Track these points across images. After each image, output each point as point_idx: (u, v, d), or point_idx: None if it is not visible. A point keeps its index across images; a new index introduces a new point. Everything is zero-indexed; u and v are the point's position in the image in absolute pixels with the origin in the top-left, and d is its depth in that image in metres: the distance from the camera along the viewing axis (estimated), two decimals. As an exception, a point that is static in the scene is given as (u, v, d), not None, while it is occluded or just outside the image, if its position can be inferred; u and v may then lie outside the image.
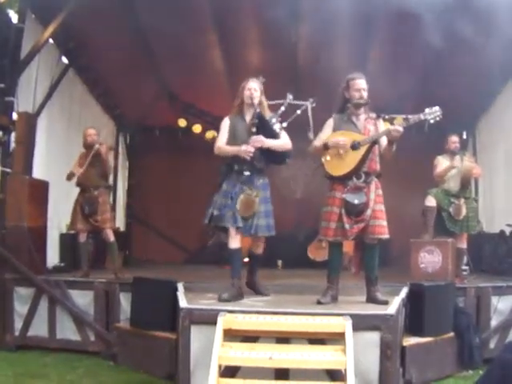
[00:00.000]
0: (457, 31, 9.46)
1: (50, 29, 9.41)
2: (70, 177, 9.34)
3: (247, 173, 7.00)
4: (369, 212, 6.53)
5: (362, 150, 6.55)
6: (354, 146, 6.55)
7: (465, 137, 13.83)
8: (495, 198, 12.31)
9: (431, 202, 9.09)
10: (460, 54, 9.99)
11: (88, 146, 9.33)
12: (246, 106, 7.16)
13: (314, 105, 7.28)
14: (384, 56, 11.11)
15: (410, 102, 12.00)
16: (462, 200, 9.13)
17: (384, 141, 6.58)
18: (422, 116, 6.27)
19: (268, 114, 7.12)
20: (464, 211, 9.08)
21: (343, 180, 6.65)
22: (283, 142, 7.05)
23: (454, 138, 9.41)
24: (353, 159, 6.57)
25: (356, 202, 6.52)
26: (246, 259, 7.63)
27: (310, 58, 12.16)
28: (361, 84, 6.73)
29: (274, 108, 7.31)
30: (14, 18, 9.59)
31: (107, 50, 10.88)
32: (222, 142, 7.12)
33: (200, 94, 13.61)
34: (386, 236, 6.61)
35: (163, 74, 13.14)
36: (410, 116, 6.32)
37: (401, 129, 6.26)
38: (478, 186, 12.97)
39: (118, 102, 14.02)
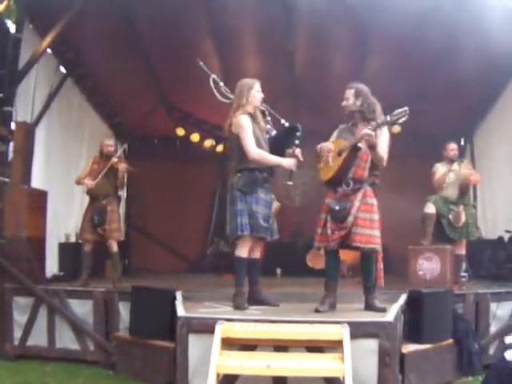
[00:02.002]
0: (454, 37, 9.51)
1: (48, 38, 9.43)
2: (79, 182, 9.49)
3: (268, 182, 7.07)
4: (350, 219, 6.51)
5: (343, 156, 6.58)
6: (339, 152, 6.61)
7: (463, 143, 13.84)
8: (494, 205, 12.31)
9: (430, 208, 9.10)
10: (457, 61, 10.01)
11: (104, 156, 9.40)
12: (251, 107, 7.10)
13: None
14: (381, 64, 11.13)
15: (408, 108, 12.03)
16: (461, 207, 9.14)
17: (382, 146, 6.57)
18: (388, 117, 6.26)
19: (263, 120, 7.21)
20: (463, 218, 9.07)
21: (334, 186, 6.72)
22: None
23: (453, 146, 9.43)
24: (336, 164, 6.63)
25: (337, 208, 6.54)
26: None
27: (306, 66, 12.18)
28: (345, 94, 6.86)
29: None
30: (12, 28, 9.61)
31: (105, 60, 10.88)
32: (255, 145, 6.86)
33: (198, 103, 13.59)
34: (368, 245, 6.53)
35: (161, 83, 13.14)
36: (379, 120, 6.32)
37: (368, 131, 6.23)
38: (477, 193, 12.98)
39: (116, 111, 14.02)
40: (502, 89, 11.59)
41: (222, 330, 5.68)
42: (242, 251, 6.94)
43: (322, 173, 6.88)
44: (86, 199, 9.47)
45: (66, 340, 8.40)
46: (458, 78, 10.44)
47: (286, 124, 7.20)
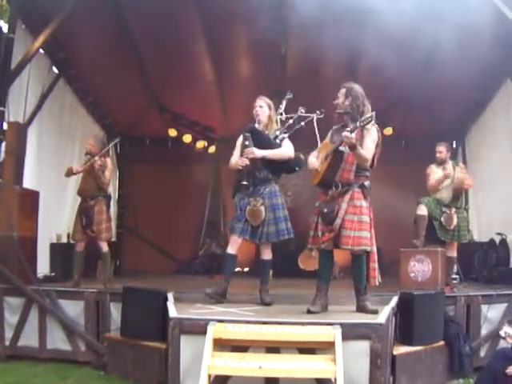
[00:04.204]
0: (446, 40, 9.51)
1: (41, 39, 9.41)
2: (68, 173, 9.46)
3: (251, 185, 7.36)
4: (338, 221, 6.52)
5: (328, 160, 6.60)
6: (326, 157, 6.64)
7: (455, 146, 13.87)
8: (485, 207, 12.33)
9: (423, 210, 9.10)
10: (449, 64, 10.02)
11: (88, 155, 9.37)
12: (258, 122, 7.55)
13: (321, 116, 7.47)
14: (372, 66, 11.13)
15: (399, 111, 12.07)
16: (454, 210, 9.16)
17: (368, 147, 6.56)
18: (357, 123, 6.26)
19: (274, 127, 7.54)
20: (455, 221, 9.10)
21: (324, 189, 6.76)
22: (280, 150, 7.40)
23: (438, 148, 9.43)
24: (322, 169, 6.68)
25: (325, 210, 6.61)
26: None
27: (298, 68, 12.19)
28: (338, 93, 6.87)
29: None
30: (5, 27, 9.58)
31: (97, 60, 10.87)
32: (232, 158, 7.60)
33: (190, 104, 13.62)
34: (357, 247, 6.54)
35: (154, 83, 13.12)
36: (351, 125, 6.33)
37: (348, 134, 6.21)
38: (469, 196, 12.99)
39: (108, 112, 14.01)
40: (495, 92, 11.60)
41: (213, 331, 5.68)
42: (230, 248, 7.49)
43: (313, 176, 6.95)
44: (78, 200, 9.43)
45: (57, 340, 8.38)
46: (450, 80, 10.45)
47: (302, 111, 7.70)
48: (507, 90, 11.00)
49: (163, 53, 11.30)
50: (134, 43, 11.39)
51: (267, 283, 7.68)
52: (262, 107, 7.53)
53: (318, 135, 7.28)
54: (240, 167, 7.27)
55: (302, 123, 7.56)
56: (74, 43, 10.62)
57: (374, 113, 6.16)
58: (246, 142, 7.30)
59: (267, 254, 7.66)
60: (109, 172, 9.33)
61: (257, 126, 7.52)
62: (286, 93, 7.76)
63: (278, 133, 7.45)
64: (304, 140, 7.55)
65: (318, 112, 7.55)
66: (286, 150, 7.42)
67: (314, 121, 7.49)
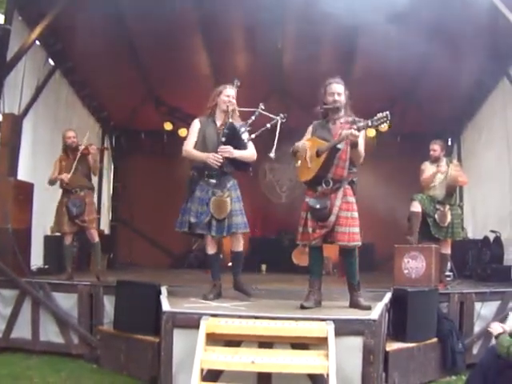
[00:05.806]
0: (443, 37, 9.52)
1: (37, 30, 9.38)
2: (52, 183, 9.30)
3: (216, 178, 7.27)
4: (332, 218, 6.51)
5: (323, 157, 6.56)
6: (317, 153, 6.59)
7: (450, 143, 13.87)
8: (480, 205, 12.34)
9: (416, 207, 9.09)
10: (445, 61, 10.02)
11: (70, 149, 9.31)
12: (219, 111, 7.41)
13: (284, 120, 7.33)
14: (369, 63, 11.11)
15: (396, 107, 12.05)
16: (447, 207, 9.15)
17: (361, 143, 6.53)
18: (369, 122, 6.22)
19: (238, 123, 7.33)
20: (449, 218, 9.09)
21: (313, 185, 6.72)
22: (250, 153, 7.36)
23: (433, 146, 9.39)
24: (315, 165, 6.62)
25: (317, 206, 6.56)
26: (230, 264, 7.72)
27: (295, 64, 12.18)
28: (335, 88, 6.77)
29: (244, 115, 7.39)
30: (1, 19, 9.56)
31: (94, 53, 10.83)
32: (190, 145, 7.41)
33: (186, 97, 13.58)
34: (351, 243, 6.54)
35: (149, 77, 13.13)
36: (360, 124, 6.28)
37: (356, 133, 6.20)
38: (463, 193, 13.00)
39: (104, 105, 14.01)
40: (491, 90, 11.59)
41: (206, 326, 5.68)
42: (208, 249, 7.47)
43: (300, 173, 6.90)
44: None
45: (51, 333, 8.38)
46: (447, 77, 10.45)
47: (263, 107, 7.36)
48: (503, 88, 10.99)
49: (160, 46, 11.27)
50: (131, 36, 11.38)
51: (239, 274, 7.58)
52: (234, 98, 7.38)
53: (276, 141, 7.21)
54: (216, 165, 7.11)
55: (268, 125, 7.42)
56: (71, 35, 10.57)
57: (387, 112, 6.12)
58: (223, 139, 7.14)
59: (240, 246, 7.48)
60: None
61: (217, 114, 7.39)
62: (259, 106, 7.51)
63: (242, 129, 7.27)
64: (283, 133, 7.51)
65: (281, 115, 7.41)
66: (253, 152, 7.38)
67: (278, 124, 7.35)
